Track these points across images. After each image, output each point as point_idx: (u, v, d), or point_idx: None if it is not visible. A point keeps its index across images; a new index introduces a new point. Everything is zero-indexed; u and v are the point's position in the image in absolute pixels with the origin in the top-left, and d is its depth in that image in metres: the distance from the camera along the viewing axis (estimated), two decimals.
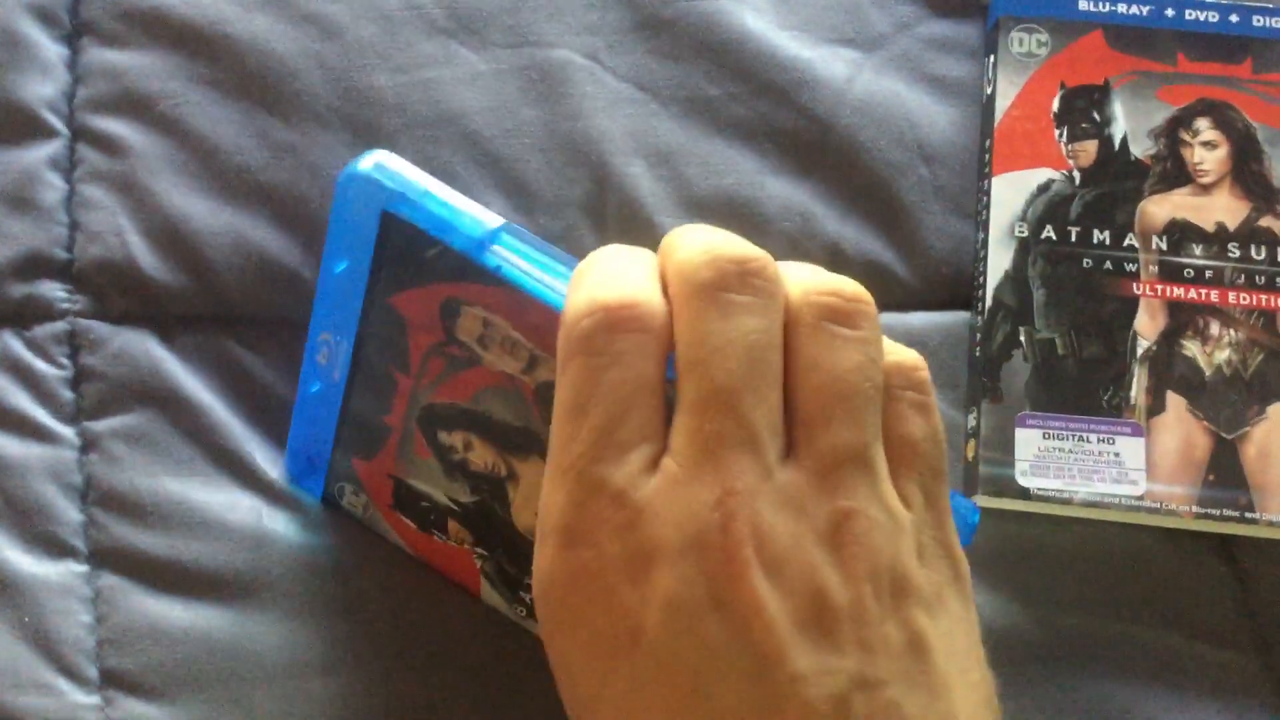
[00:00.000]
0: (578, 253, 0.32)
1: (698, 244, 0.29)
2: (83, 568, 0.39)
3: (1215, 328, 0.43)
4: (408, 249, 0.34)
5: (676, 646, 0.27)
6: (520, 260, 0.32)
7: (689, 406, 0.28)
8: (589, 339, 0.28)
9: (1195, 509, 0.41)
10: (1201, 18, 0.45)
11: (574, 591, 0.28)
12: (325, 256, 0.35)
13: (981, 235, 0.44)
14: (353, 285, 0.35)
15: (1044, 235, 0.43)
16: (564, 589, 0.28)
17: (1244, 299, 0.43)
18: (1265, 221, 0.44)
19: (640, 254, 0.30)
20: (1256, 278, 0.43)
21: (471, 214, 0.33)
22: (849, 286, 0.30)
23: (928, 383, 0.30)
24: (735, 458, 0.27)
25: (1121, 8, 0.45)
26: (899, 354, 0.30)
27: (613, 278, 0.29)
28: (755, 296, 0.28)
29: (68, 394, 0.41)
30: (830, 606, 0.27)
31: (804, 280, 0.29)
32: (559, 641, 0.29)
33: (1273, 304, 0.43)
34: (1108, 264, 0.43)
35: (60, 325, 0.41)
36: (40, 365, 0.41)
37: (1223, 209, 0.44)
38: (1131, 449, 0.41)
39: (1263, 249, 0.43)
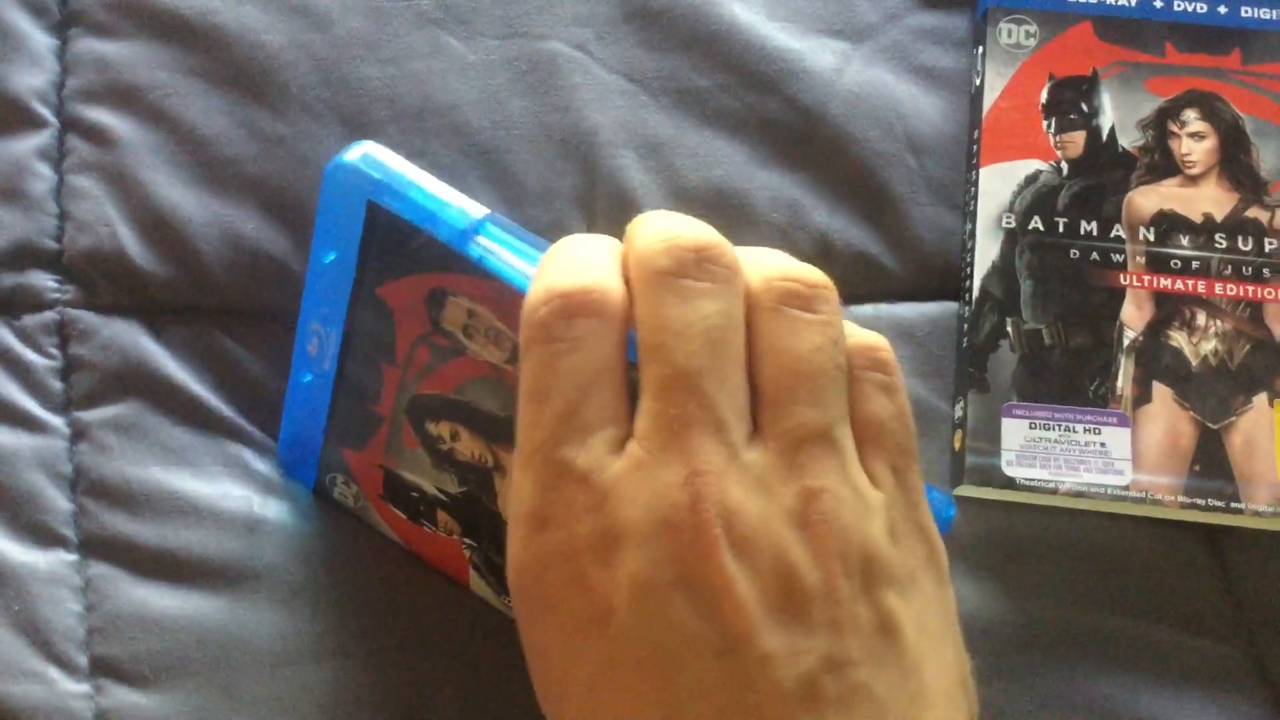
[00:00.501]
0: None
1: (656, 231, 0.29)
2: (73, 557, 0.39)
3: (1202, 318, 0.43)
4: (394, 239, 0.34)
5: (645, 627, 0.27)
6: (503, 251, 0.32)
7: (652, 390, 0.28)
8: (546, 326, 0.29)
9: (1181, 499, 0.41)
10: (1190, 9, 0.45)
11: (544, 575, 0.28)
12: (314, 247, 0.35)
13: (969, 226, 0.44)
14: (341, 276, 0.35)
15: (1031, 226, 0.43)
16: (535, 573, 0.28)
17: (1231, 290, 0.43)
18: (1252, 212, 0.44)
19: (602, 241, 0.30)
20: (1243, 268, 0.43)
21: (456, 204, 0.33)
22: (808, 272, 0.30)
23: (892, 363, 0.30)
24: (700, 439, 0.28)
25: None
26: (862, 336, 0.30)
27: (571, 265, 0.29)
28: (713, 282, 0.29)
29: (57, 384, 0.41)
30: (800, 586, 0.27)
31: (764, 266, 0.30)
32: (531, 626, 0.29)
33: (1259, 295, 0.43)
34: (1095, 255, 0.43)
35: (50, 315, 0.41)
36: (30, 355, 0.41)
37: (1210, 200, 0.44)
38: (1117, 439, 0.41)
39: (1250, 240, 0.44)
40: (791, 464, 0.28)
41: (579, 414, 0.28)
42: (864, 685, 0.27)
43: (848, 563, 0.28)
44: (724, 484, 0.27)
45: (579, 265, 0.29)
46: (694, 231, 0.29)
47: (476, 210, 0.33)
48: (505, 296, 0.32)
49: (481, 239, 0.32)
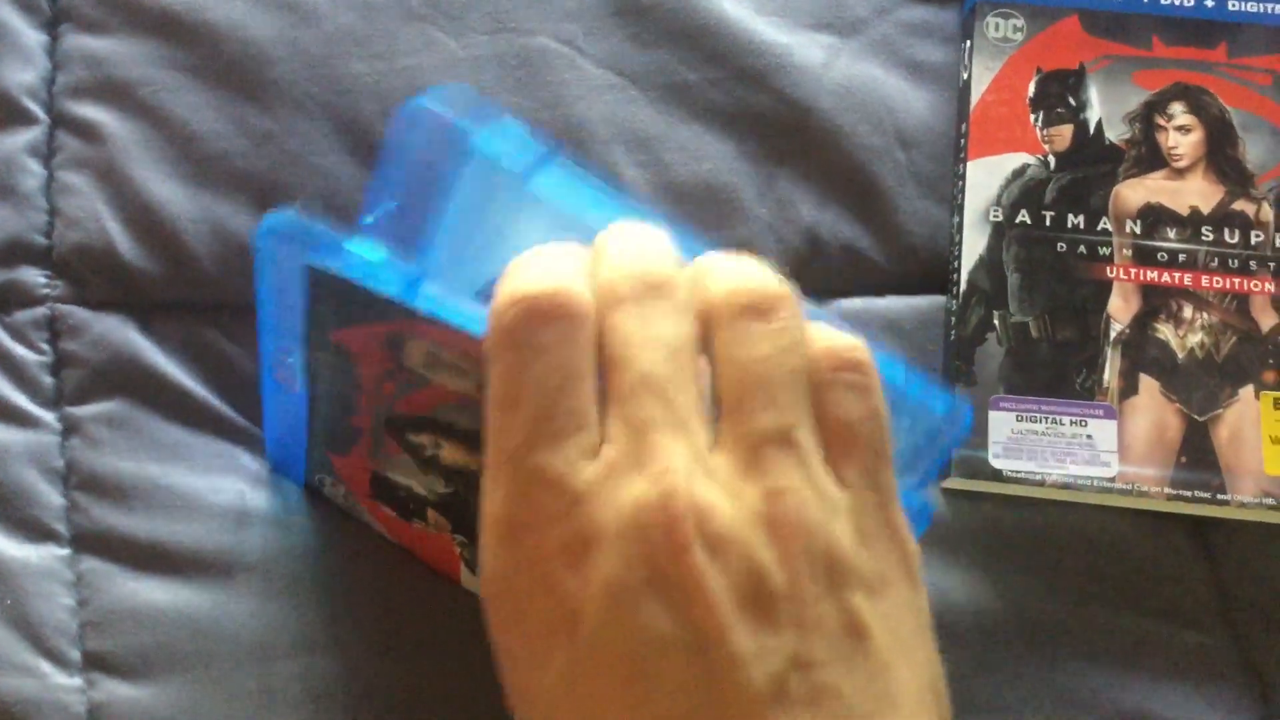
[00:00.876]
0: None
1: (618, 259, 0.30)
2: (65, 551, 0.39)
3: (1188, 311, 0.43)
4: (339, 294, 0.33)
5: (616, 629, 0.27)
6: (448, 299, 0.32)
7: (619, 396, 0.28)
8: (513, 331, 0.29)
9: (1167, 491, 0.41)
10: (1177, 2, 0.46)
11: (516, 582, 0.28)
12: (259, 300, 0.35)
13: (956, 219, 0.44)
14: (291, 325, 0.35)
15: (1019, 219, 0.44)
16: (507, 580, 0.28)
17: (1217, 282, 0.43)
18: (1239, 205, 0.44)
19: (567, 248, 0.30)
20: (1230, 261, 0.43)
21: (390, 260, 0.32)
22: (763, 283, 0.30)
23: (865, 363, 0.30)
24: (668, 440, 0.28)
25: None
26: (831, 338, 0.30)
27: (537, 270, 0.29)
28: (669, 304, 0.29)
29: (48, 379, 0.41)
30: (767, 586, 0.27)
31: (721, 280, 0.30)
32: (502, 632, 0.29)
33: (1245, 287, 0.43)
34: (1082, 248, 0.43)
35: (40, 311, 0.42)
36: (20, 351, 0.41)
37: (1197, 193, 0.44)
38: (1104, 431, 0.42)
39: (1236, 233, 0.44)
40: (752, 466, 0.28)
41: (550, 420, 0.28)
42: (831, 685, 0.27)
43: (813, 563, 0.28)
44: (693, 483, 0.27)
45: (545, 270, 0.29)
46: (652, 263, 0.30)
47: (408, 267, 0.32)
48: (461, 337, 0.32)
49: (428, 287, 0.32)
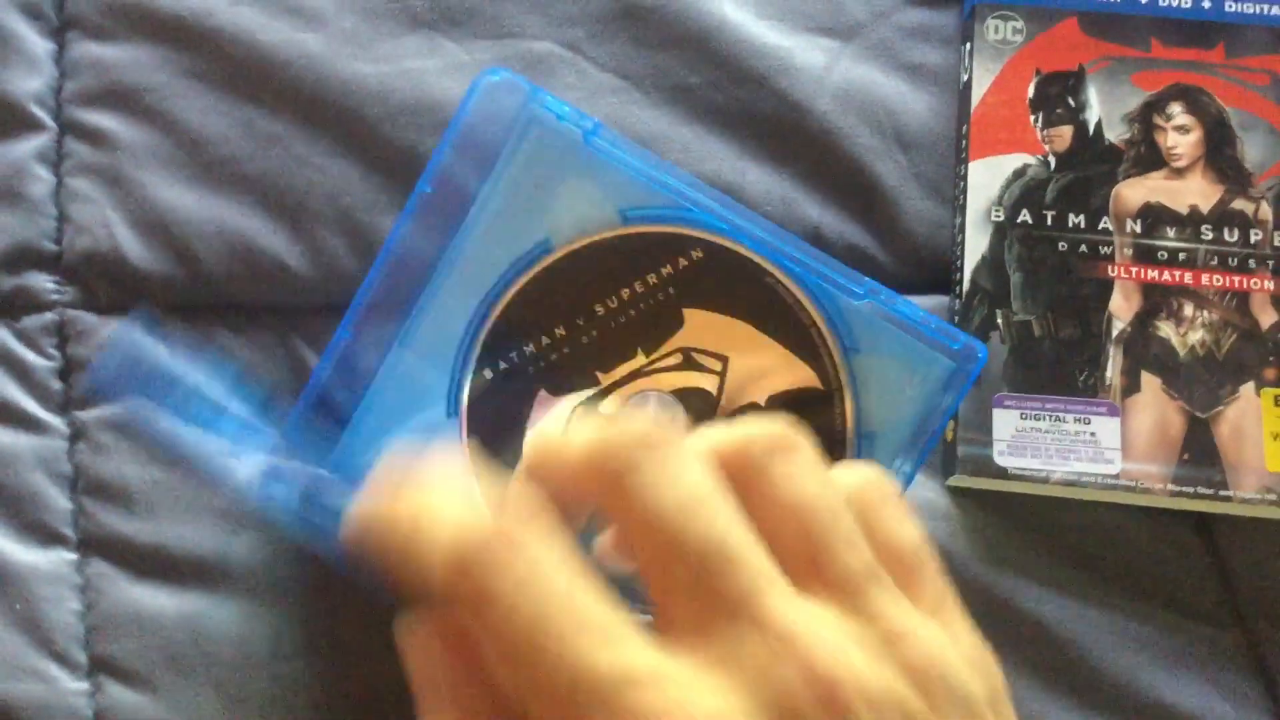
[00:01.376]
0: None
1: (595, 447, 0.26)
2: (72, 555, 0.40)
3: (1189, 309, 0.43)
4: None
5: None
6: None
7: (684, 579, 0.25)
8: (468, 609, 0.25)
9: (1170, 487, 0.41)
10: (1175, 3, 0.46)
11: None
12: None
13: (959, 219, 0.44)
14: None
15: (1020, 219, 0.44)
16: None
17: (1217, 281, 0.43)
18: (1238, 204, 0.44)
19: (443, 481, 0.26)
20: (1229, 260, 0.44)
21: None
22: (776, 427, 0.27)
23: (896, 490, 0.28)
24: (765, 603, 0.25)
25: None
26: (859, 471, 0.28)
27: (440, 535, 0.25)
28: (674, 456, 0.26)
29: (57, 384, 0.41)
30: None
31: (731, 435, 0.27)
32: None
33: (1245, 285, 0.43)
34: (1083, 247, 0.44)
35: (49, 316, 0.42)
36: (30, 356, 0.41)
37: (1196, 192, 0.44)
38: (1107, 428, 0.42)
39: (1235, 231, 0.44)
40: (858, 611, 0.26)
41: (598, 638, 0.24)
42: None
43: (954, 701, 0.26)
44: (826, 645, 0.24)
45: (447, 530, 0.25)
46: (623, 431, 0.26)
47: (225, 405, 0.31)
48: None
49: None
